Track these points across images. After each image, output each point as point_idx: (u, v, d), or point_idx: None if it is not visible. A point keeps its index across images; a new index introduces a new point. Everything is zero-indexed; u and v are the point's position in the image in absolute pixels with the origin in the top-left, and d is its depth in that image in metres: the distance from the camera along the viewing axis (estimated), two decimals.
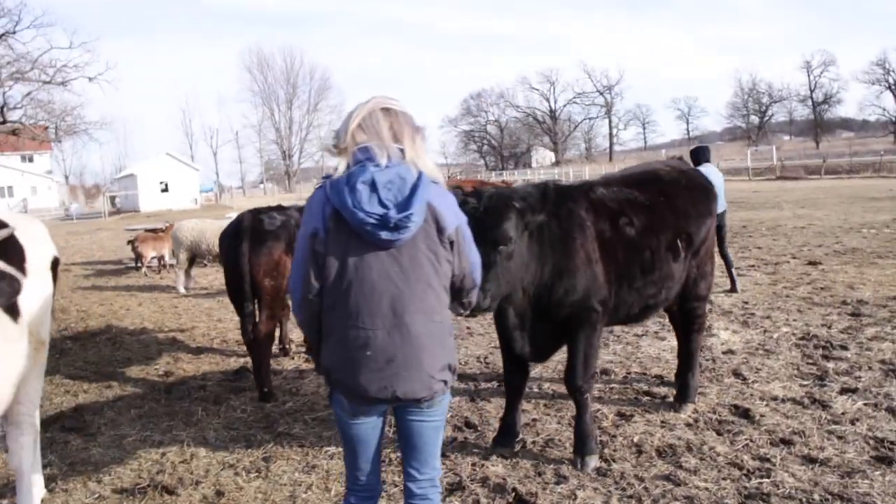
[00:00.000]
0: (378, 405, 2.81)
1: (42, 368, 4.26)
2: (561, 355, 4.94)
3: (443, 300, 2.81)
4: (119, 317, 10.87)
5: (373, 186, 2.62)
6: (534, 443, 4.99)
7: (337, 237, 2.70)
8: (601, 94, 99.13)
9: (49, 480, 4.78)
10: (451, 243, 2.79)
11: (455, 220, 2.80)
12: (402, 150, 2.72)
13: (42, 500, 4.43)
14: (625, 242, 4.63)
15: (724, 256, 10.40)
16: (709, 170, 10.15)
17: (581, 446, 4.55)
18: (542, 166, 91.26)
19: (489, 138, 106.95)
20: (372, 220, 2.59)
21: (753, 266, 11.88)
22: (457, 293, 3.01)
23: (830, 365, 6.27)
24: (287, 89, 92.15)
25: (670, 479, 4.27)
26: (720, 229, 10.59)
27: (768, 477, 4.22)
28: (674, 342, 7.20)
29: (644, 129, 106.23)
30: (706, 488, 4.14)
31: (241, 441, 5.34)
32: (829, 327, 7.58)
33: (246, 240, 6.36)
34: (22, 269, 3.85)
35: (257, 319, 6.44)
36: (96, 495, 4.60)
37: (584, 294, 4.42)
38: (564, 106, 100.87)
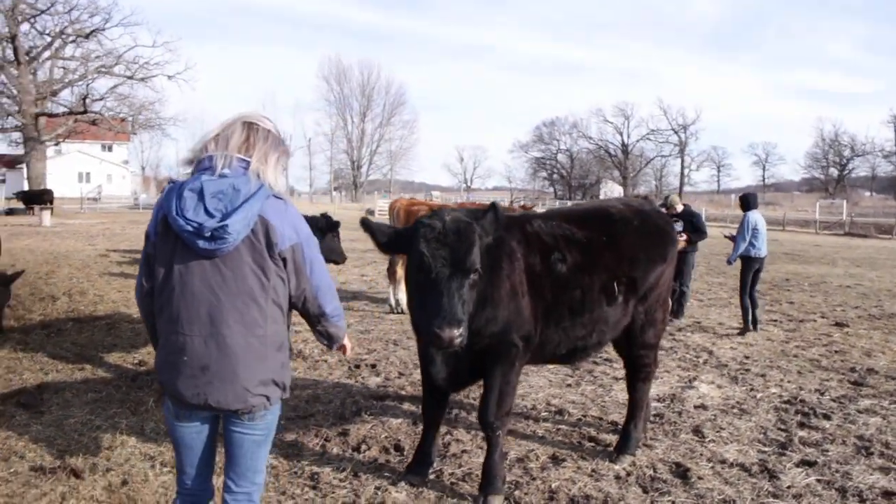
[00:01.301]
0: (199, 411, 2.78)
1: None
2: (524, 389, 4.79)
3: (270, 315, 2.76)
4: (129, 305, 11.12)
5: (200, 194, 2.60)
6: (451, 474, 4.84)
7: (165, 242, 2.72)
8: (675, 132, 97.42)
9: None
10: (284, 260, 2.73)
11: (293, 237, 2.76)
12: (247, 162, 2.68)
13: None
14: (554, 279, 4.46)
15: (752, 299, 10.41)
16: (755, 216, 10.48)
17: (487, 485, 4.38)
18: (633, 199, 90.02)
19: (559, 167, 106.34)
20: (189, 229, 2.59)
21: (775, 321, 11.35)
22: (308, 318, 2.99)
23: (802, 433, 5.89)
24: (362, 101, 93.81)
25: None
26: (756, 273, 10.55)
27: None
28: (652, 391, 6.95)
29: (718, 171, 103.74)
30: None
31: None
32: (823, 393, 7.14)
33: None
34: None
35: None
36: (12, 470, 4.69)
37: (505, 327, 4.27)
38: (637, 141, 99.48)
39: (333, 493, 4.48)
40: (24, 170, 47.69)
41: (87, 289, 12.16)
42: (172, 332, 2.72)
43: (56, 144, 49.78)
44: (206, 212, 2.58)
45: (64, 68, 45.50)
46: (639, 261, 4.83)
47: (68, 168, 63.72)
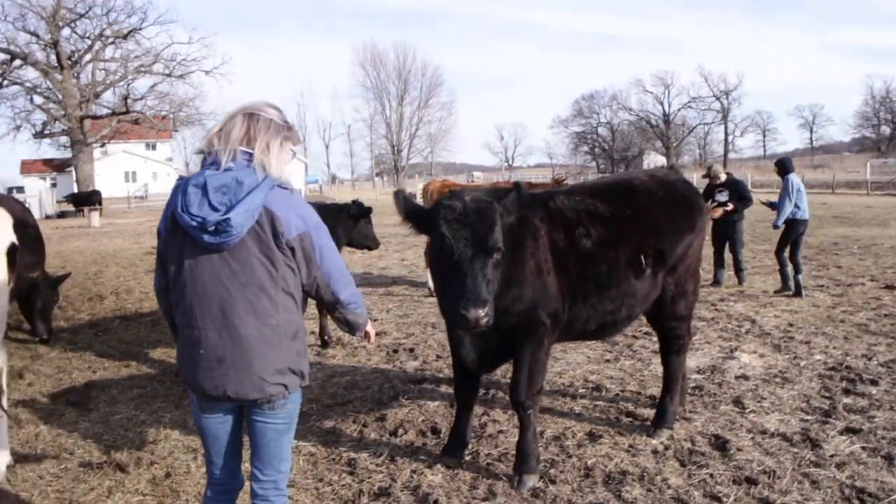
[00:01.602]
0: (221, 402, 2.83)
1: None
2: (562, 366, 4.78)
3: (282, 305, 2.78)
4: None
5: (204, 189, 2.63)
6: (488, 455, 4.86)
7: (174, 237, 2.77)
8: (717, 98, 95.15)
9: (30, 450, 5.12)
10: (293, 249, 2.75)
11: (301, 226, 2.76)
12: (250, 154, 2.71)
13: (8, 467, 4.70)
14: (580, 255, 4.41)
15: (796, 264, 10.41)
16: (796, 178, 10.54)
17: (521, 464, 4.38)
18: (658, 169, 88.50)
19: (600, 140, 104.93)
20: (193, 224, 2.62)
21: (822, 286, 11.06)
22: (325, 306, 3.05)
23: (847, 400, 5.75)
24: (399, 85, 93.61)
25: None
26: (799, 237, 10.54)
27: None
28: (690, 363, 6.86)
29: (764, 136, 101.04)
30: None
31: None
32: (870, 359, 6.95)
33: None
34: None
35: None
36: (62, 467, 4.85)
37: (531, 305, 4.25)
38: (679, 110, 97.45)
39: (370, 477, 4.54)
40: (73, 173, 49.00)
41: (134, 287, 12.48)
42: (187, 326, 2.78)
43: (102, 146, 51.00)
44: (211, 206, 2.61)
45: (105, 70, 46.55)
46: (665, 232, 4.75)
47: (115, 168, 65.22)
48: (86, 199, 40.24)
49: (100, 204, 39.76)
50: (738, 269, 11.41)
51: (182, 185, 2.70)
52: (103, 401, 6.24)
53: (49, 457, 4.99)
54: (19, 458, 4.90)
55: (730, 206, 11.06)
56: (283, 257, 2.74)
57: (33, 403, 6.18)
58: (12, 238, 4.60)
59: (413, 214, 3.98)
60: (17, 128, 44.22)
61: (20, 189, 46.56)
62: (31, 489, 4.48)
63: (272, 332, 2.76)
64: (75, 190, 45.94)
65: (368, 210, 8.43)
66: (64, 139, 47.91)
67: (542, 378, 4.43)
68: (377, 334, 3.23)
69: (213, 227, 2.60)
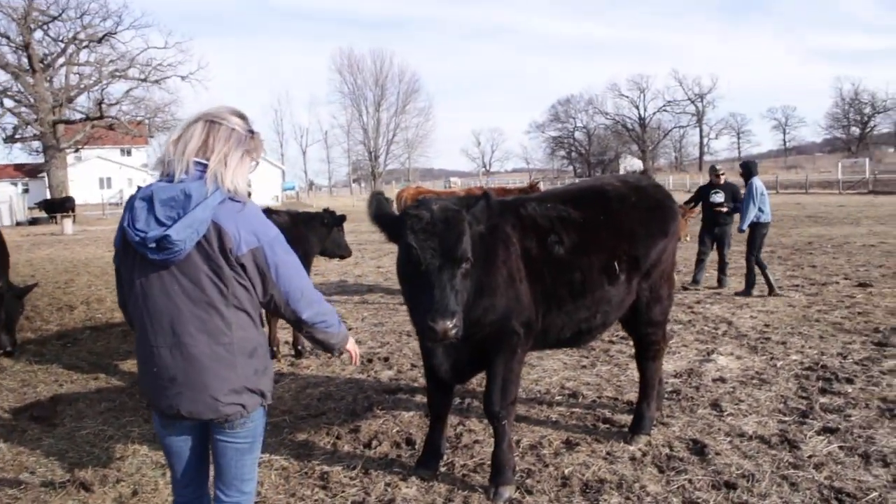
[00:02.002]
0: (180, 420, 2.73)
1: None
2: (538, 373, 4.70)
3: (235, 322, 2.66)
4: None
5: (150, 203, 2.52)
6: (464, 465, 4.78)
7: (126, 252, 2.67)
8: (692, 102, 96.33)
9: None
10: (244, 266, 2.62)
11: (252, 241, 2.62)
12: (204, 165, 2.59)
13: None
14: (552, 262, 4.34)
15: (759, 263, 10.68)
16: (759, 182, 10.76)
17: (496, 475, 4.30)
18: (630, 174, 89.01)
19: (577, 145, 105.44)
20: (136, 239, 2.53)
21: (798, 286, 11.13)
22: (290, 324, 2.92)
23: (823, 400, 5.75)
24: (376, 91, 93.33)
25: None
26: (762, 238, 10.80)
27: None
28: (667, 366, 6.85)
29: (738, 138, 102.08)
30: None
31: None
32: (845, 357, 6.98)
33: None
34: None
35: None
36: (22, 486, 4.68)
37: (504, 314, 4.17)
38: (654, 114, 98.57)
39: (343, 492, 4.43)
40: (46, 178, 48.23)
41: (105, 296, 12.22)
42: (143, 344, 2.68)
43: (75, 151, 50.31)
44: (157, 221, 2.49)
45: (79, 74, 45.90)
46: (639, 237, 4.70)
47: (89, 174, 64.35)
48: (59, 206, 39.60)
49: (73, 210, 39.19)
50: (722, 271, 11.52)
51: (130, 199, 2.58)
52: (69, 415, 6.06)
53: (7, 477, 4.82)
54: None
55: (725, 208, 11.37)
56: (234, 274, 2.61)
57: None
58: None
59: (381, 220, 3.88)
60: None
61: None
62: None
63: (226, 351, 2.64)
64: (48, 196, 45.23)
65: (342, 218, 8.33)
66: (36, 144, 47.19)
67: (516, 388, 4.35)
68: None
69: (153, 244, 2.48)
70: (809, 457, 4.69)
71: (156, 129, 49.01)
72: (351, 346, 3.08)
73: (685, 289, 11.20)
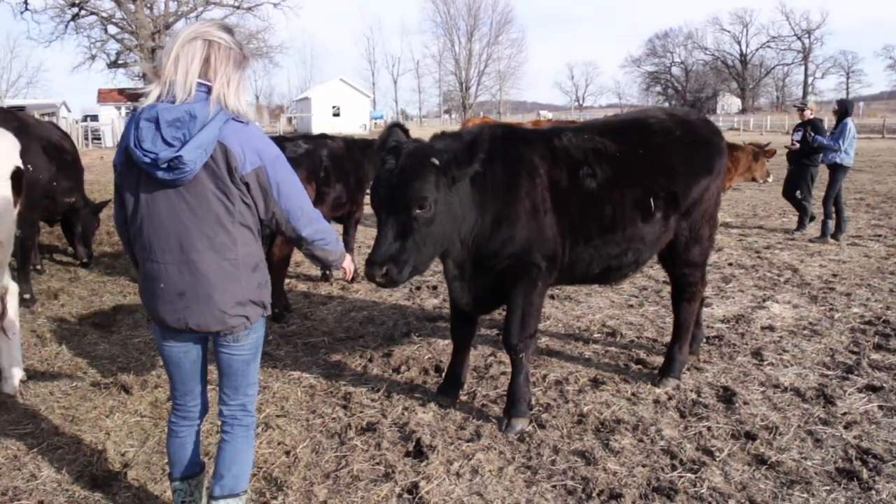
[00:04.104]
0: (183, 333, 2.84)
1: (2, 269, 4.63)
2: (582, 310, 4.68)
3: (240, 238, 2.75)
4: None
5: (157, 124, 2.56)
6: (485, 395, 4.82)
7: (129, 172, 2.71)
8: (799, 38, 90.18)
9: (48, 367, 5.35)
10: (248, 185, 2.69)
11: (256, 161, 2.68)
12: (208, 87, 2.62)
13: (22, 382, 4.91)
14: (582, 195, 4.21)
15: (828, 210, 10.28)
16: (852, 125, 10.16)
17: (511, 408, 4.32)
18: (727, 114, 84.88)
19: (673, 81, 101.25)
20: (147, 160, 2.57)
21: (879, 236, 10.45)
22: (291, 242, 3.03)
23: (875, 356, 5.45)
24: (468, 21, 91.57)
25: (585, 456, 3.96)
26: (836, 181, 10.32)
27: (694, 472, 3.78)
28: (716, 311, 6.65)
29: (847, 78, 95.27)
30: (614, 472, 3.79)
31: None
32: None
33: None
34: None
35: (274, 244, 6.60)
36: (73, 385, 5.04)
37: (523, 246, 4.10)
38: (757, 50, 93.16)
39: (362, 412, 4.56)
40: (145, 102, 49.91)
41: None
42: (147, 261, 2.76)
43: None
44: (164, 141, 2.54)
45: (177, 1, 46.84)
46: (679, 173, 4.49)
47: None
48: None
49: None
50: (801, 215, 10.86)
51: (135, 119, 2.62)
52: (126, 324, 6.43)
53: (63, 375, 5.19)
54: (35, 375, 5.12)
55: (797, 145, 10.68)
56: (239, 192, 2.69)
57: (61, 323, 6.43)
58: (17, 163, 4.69)
59: (377, 150, 3.91)
60: (93, 57, 45.27)
61: (94, 118, 48.10)
62: (40, 404, 4.67)
63: (231, 266, 2.74)
64: None
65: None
66: (137, 69, 48.77)
67: (536, 321, 4.31)
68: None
69: (165, 164, 2.54)
70: (843, 414, 4.48)
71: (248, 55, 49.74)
72: (347, 263, 3.20)
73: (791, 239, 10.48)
